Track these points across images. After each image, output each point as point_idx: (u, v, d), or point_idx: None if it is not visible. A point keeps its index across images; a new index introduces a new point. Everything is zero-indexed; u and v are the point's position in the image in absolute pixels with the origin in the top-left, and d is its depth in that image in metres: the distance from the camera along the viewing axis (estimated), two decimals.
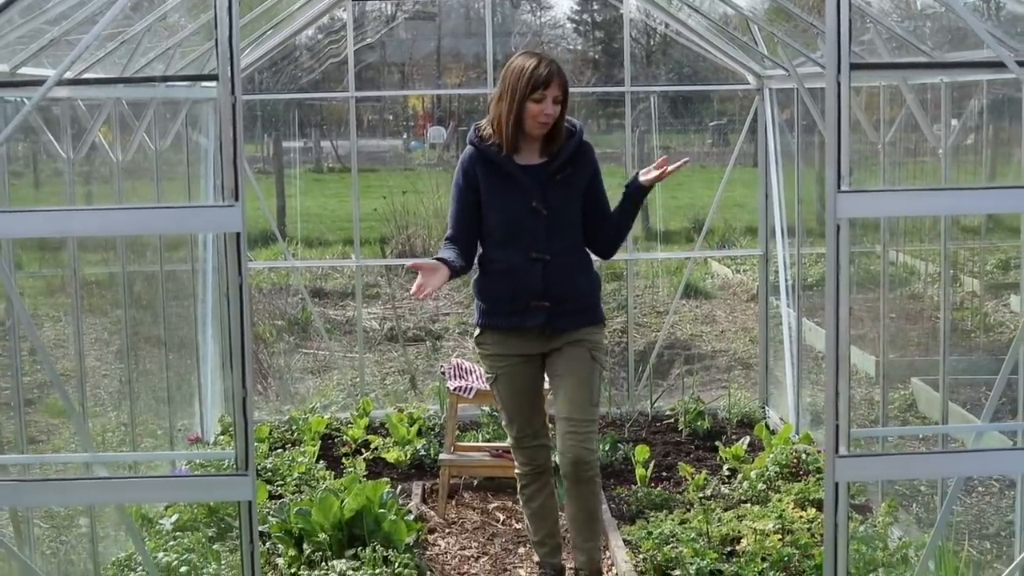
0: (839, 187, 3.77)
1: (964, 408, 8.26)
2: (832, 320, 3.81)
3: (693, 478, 7.12)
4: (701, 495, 6.90)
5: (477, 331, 5.79)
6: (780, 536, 6.01)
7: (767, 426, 8.18)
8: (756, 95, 8.87)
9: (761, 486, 6.94)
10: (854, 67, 3.83)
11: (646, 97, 18.14)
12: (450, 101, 32.63)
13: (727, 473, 7.46)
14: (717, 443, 7.95)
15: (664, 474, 7.60)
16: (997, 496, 7.21)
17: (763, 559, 5.80)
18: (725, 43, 8.89)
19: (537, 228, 5.48)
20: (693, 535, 6.11)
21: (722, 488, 7.09)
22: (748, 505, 6.67)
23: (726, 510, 6.65)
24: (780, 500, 6.57)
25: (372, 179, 22.39)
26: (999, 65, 4.25)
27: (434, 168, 24.61)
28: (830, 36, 3.75)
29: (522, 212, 5.48)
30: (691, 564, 5.78)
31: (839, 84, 3.77)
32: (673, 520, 6.52)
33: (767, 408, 8.89)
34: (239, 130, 3.40)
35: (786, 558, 5.76)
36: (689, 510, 6.71)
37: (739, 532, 6.18)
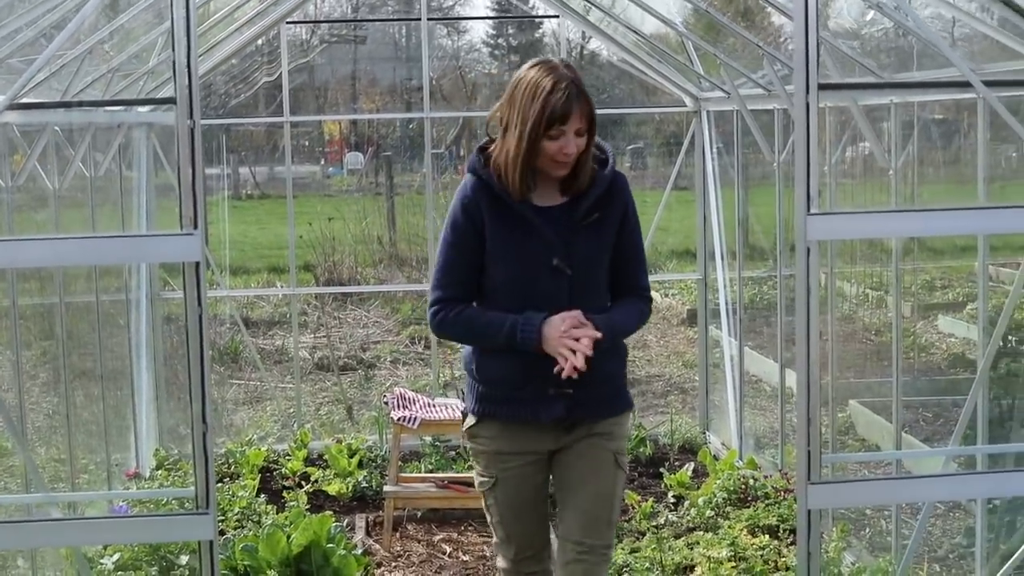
0: (809, 209, 3.72)
1: (904, 430, 8.27)
2: (803, 344, 3.75)
3: (640, 506, 7.04)
4: (650, 524, 6.82)
5: (470, 420, 4.41)
6: (734, 564, 5.95)
7: (710, 452, 8.13)
8: (692, 117, 8.85)
9: (709, 513, 6.88)
10: (823, 88, 3.79)
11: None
12: (367, 126, 32.48)
13: (673, 500, 7.38)
14: (661, 470, 7.88)
15: None
16: (943, 518, 7.21)
17: None
18: (659, 63, 8.85)
19: (559, 292, 4.21)
20: (647, 565, 6.03)
21: (670, 516, 7.02)
22: (699, 532, 6.60)
23: (676, 538, 6.58)
24: (731, 527, 6.50)
25: (294, 205, 22.16)
26: (961, 85, 4.24)
27: (353, 194, 24.48)
28: (799, 57, 3.70)
29: (540, 271, 4.21)
30: None
31: (808, 105, 3.72)
32: (623, 549, 6.43)
33: (708, 433, 8.85)
34: (199, 155, 3.28)
35: None
36: (639, 539, 6.63)
37: (692, 560, 6.11)
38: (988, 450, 5.01)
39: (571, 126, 4.11)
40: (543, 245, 4.20)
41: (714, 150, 8.59)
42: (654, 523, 6.85)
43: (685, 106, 8.93)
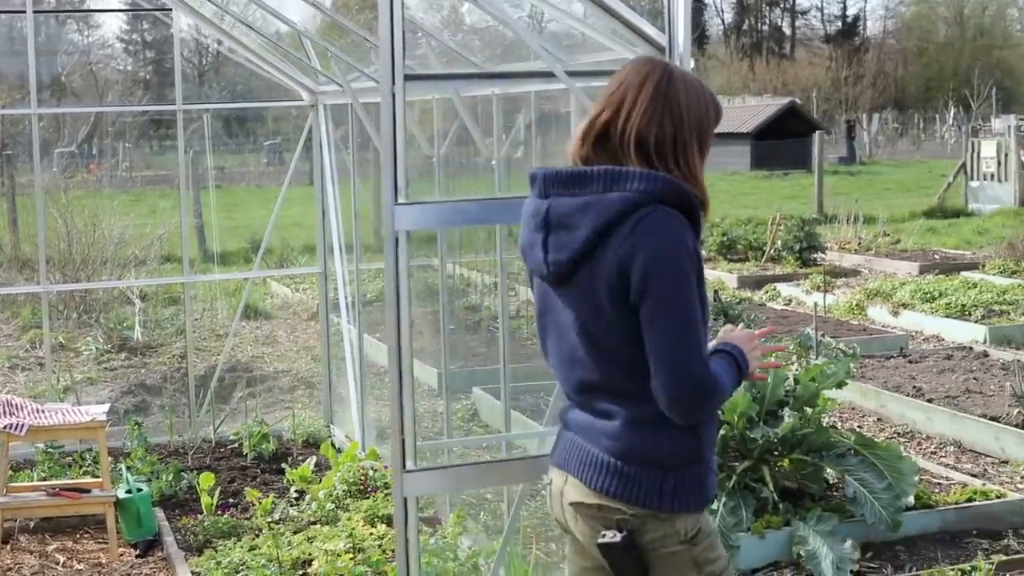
0: (396, 199, 3.75)
1: (526, 415, 8.50)
2: (394, 334, 3.78)
3: (260, 502, 6.96)
4: (269, 519, 6.75)
5: (698, 517, 3.37)
6: (352, 555, 5.95)
7: (333, 444, 8.12)
8: (310, 111, 8.81)
9: (330, 506, 6.87)
10: (408, 79, 3.83)
11: (199, 116, 17.80)
12: None
13: (295, 495, 7.34)
14: (284, 465, 7.82)
15: (231, 500, 7.40)
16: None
17: None
18: (279, 59, 8.78)
19: None
20: (263, 561, 5.97)
21: (291, 511, 6.97)
22: (318, 526, 6.59)
23: (296, 533, 6.54)
24: (350, 519, 6.52)
25: None
26: (549, 75, 4.36)
27: None
28: (384, 49, 3.72)
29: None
30: None
31: (394, 96, 3.75)
32: (243, 547, 6.35)
33: (332, 427, 8.84)
34: None
35: None
36: (259, 536, 6.56)
37: (310, 554, 6.09)
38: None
39: None
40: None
41: (331, 144, 8.58)
42: (274, 519, 6.79)
43: (303, 100, 8.89)
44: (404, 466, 3.81)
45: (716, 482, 3.46)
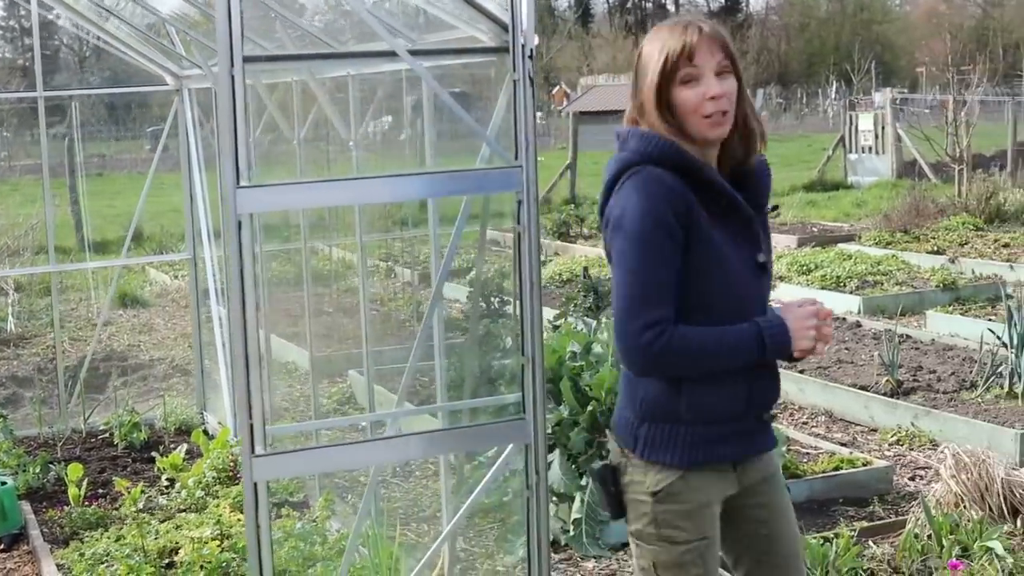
0: (238, 183, 3.72)
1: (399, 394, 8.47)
2: (239, 318, 3.75)
3: (130, 492, 6.88)
4: (137, 509, 6.68)
5: (669, 476, 3.37)
6: (219, 542, 5.90)
7: (206, 432, 8.05)
8: (175, 96, 8.70)
9: (200, 493, 6.81)
10: (248, 60, 3.79)
11: (69, 103, 17.47)
12: None
13: (166, 483, 7.26)
14: (155, 454, 7.73)
15: (100, 491, 7.30)
16: (433, 479, 7.44)
17: (202, 567, 5.68)
18: (142, 44, 8.65)
19: (762, 297, 3.46)
20: (128, 551, 5.89)
21: (160, 499, 6.90)
22: (186, 514, 6.52)
23: (164, 521, 6.47)
24: (218, 506, 6.46)
25: None
26: (392, 55, 4.34)
27: None
28: (221, 29, 3.68)
29: (749, 271, 3.41)
30: None
31: (233, 78, 3.71)
32: (109, 538, 6.27)
33: (205, 413, 8.76)
34: None
35: (224, 564, 5.66)
36: (123, 526, 6.48)
37: (177, 543, 6.02)
38: (431, 409, 5.19)
39: (706, 62, 3.27)
40: (753, 238, 3.40)
41: (197, 128, 8.48)
42: (143, 508, 6.72)
43: (167, 84, 8.77)
44: (253, 451, 3.78)
45: (717, 454, 3.37)
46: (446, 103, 3.79)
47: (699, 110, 3.27)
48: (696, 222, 3.26)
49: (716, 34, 3.29)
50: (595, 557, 6.18)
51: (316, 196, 3.88)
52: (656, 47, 3.32)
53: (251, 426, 3.84)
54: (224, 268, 8.27)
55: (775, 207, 3.65)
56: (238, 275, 3.77)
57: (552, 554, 6.20)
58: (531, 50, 3.74)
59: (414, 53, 4.23)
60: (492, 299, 8.55)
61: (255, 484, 3.84)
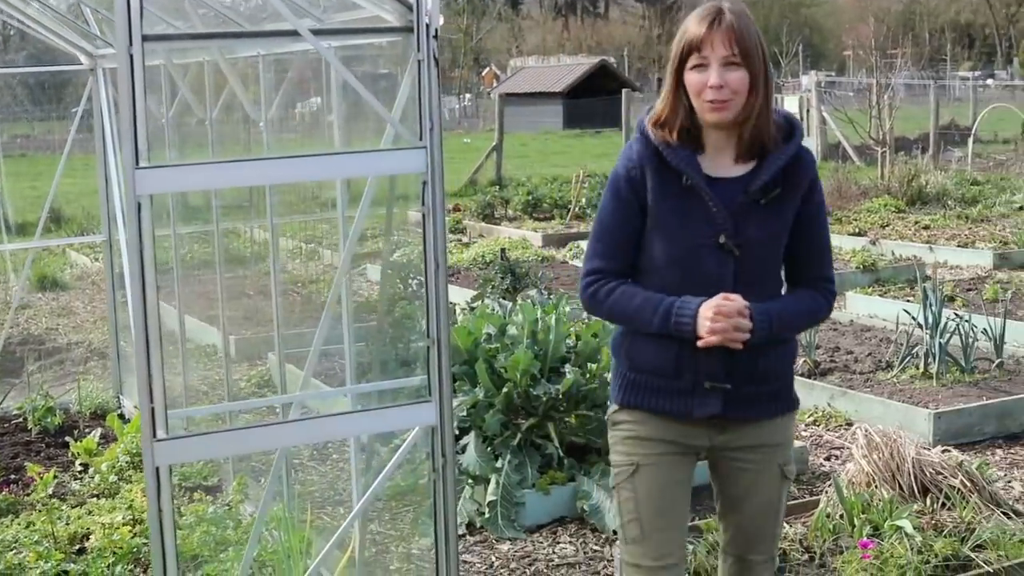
0: (137, 164, 3.67)
1: (319, 379, 8.44)
2: (139, 302, 3.71)
3: (42, 478, 6.79)
4: (49, 494, 6.59)
5: (613, 407, 3.95)
6: (130, 527, 5.85)
7: (121, 415, 7.96)
8: (90, 75, 8.58)
9: (113, 478, 6.73)
10: (147, 39, 3.73)
11: None
12: None
13: (80, 468, 7.18)
14: (69, 439, 7.64)
15: (13, 476, 7.19)
16: (346, 461, 7.40)
17: (113, 553, 5.62)
18: (60, 26, 8.51)
19: (723, 275, 3.71)
20: (38, 537, 5.82)
21: (73, 485, 6.82)
22: (98, 499, 6.45)
23: (76, 507, 6.40)
24: (131, 490, 6.39)
25: None
26: (294, 34, 4.30)
27: None
28: (120, 7, 3.62)
29: (704, 249, 3.71)
30: (35, 568, 5.50)
31: (132, 57, 3.66)
32: (19, 524, 6.18)
33: (122, 397, 8.66)
34: None
35: (136, 549, 5.61)
36: (36, 512, 6.39)
37: (89, 528, 5.96)
38: (352, 390, 5.17)
39: (713, 53, 3.58)
40: (709, 219, 3.68)
41: (111, 108, 8.37)
42: (55, 493, 6.63)
43: (82, 64, 8.65)
44: (155, 435, 3.74)
45: (649, 404, 3.83)
46: (351, 83, 3.76)
47: (702, 94, 3.63)
48: (648, 190, 3.72)
49: (732, 27, 3.59)
50: (510, 539, 6.17)
51: (218, 177, 3.84)
52: (681, 32, 3.70)
53: (152, 410, 3.80)
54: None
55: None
56: (137, 257, 3.72)
57: (468, 536, 6.20)
58: (435, 30, 3.72)
59: (318, 33, 4.19)
60: (410, 281, 8.50)
61: (156, 469, 3.80)
